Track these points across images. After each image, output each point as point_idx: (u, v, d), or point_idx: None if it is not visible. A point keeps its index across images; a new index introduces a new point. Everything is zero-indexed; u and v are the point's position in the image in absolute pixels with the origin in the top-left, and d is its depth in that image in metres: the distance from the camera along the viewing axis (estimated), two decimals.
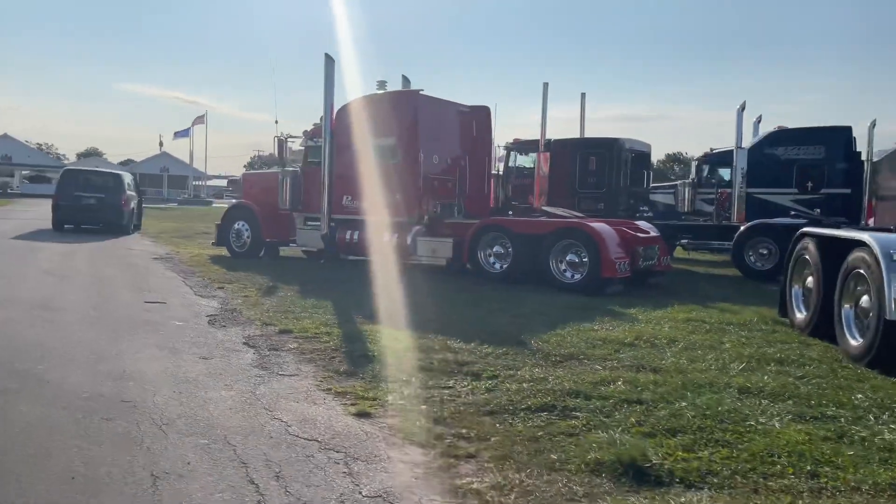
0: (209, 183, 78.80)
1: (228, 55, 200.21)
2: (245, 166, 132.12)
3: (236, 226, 16.14)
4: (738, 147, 17.39)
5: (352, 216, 14.41)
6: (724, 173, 19.78)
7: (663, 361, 6.31)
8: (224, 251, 16.18)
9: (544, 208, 13.69)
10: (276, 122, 15.49)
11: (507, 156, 18.08)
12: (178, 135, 66.93)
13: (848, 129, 17.06)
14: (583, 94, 18.62)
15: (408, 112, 13.70)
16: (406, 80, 15.80)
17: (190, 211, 44.76)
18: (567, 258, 11.72)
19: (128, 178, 22.62)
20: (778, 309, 8.83)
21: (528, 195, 17.64)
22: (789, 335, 7.79)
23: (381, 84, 14.51)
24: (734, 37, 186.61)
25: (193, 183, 71.48)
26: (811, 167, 17.07)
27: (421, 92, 13.68)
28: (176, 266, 13.58)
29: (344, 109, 14.54)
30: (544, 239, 11.94)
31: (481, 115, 15.30)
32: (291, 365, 6.10)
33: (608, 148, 16.14)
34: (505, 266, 12.51)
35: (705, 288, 12.56)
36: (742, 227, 15.11)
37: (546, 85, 16.63)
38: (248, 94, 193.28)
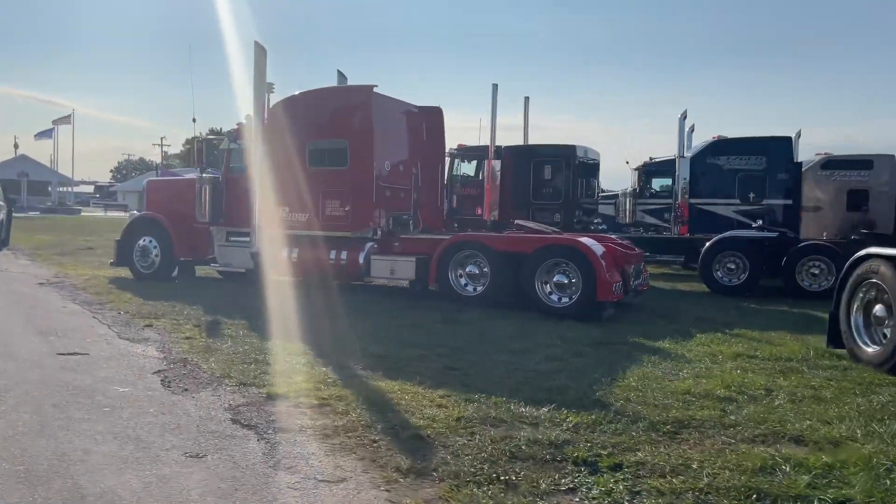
0: (75, 189, 72.03)
1: (89, 53, 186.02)
2: (112, 171, 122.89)
3: (142, 242, 13.65)
4: (681, 156, 16.82)
5: (289, 231, 12.39)
6: (662, 183, 19.37)
7: (797, 426, 4.98)
8: (126, 272, 13.65)
9: (518, 222, 12.27)
10: (194, 120, 13.20)
11: (451, 163, 16.55)
12: (39, 136, 60.54)
13: (788, 139, 16.86)
14: (526, 98, 17.41)
15: (361, 110, 11.87)
16: (342, 76, 13.97)
17: (58, 221, 40.13)
18: (555, 279, 10.34)
19: None
20: (827, 339, 7.83)
21: (476, 206, 16.26)
22: (872, 374, 6.71)
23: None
24: (609, 51, 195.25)
25: (58, 189, 64.85)
26: (753, 177, 16.79)
27: (375, 88, 11.90)
28: (74, 294, 11.03)
29: (279, 107, 12.50)
30: (529, 258, 10.50)
31: (432, 117, 13.69)
32: (324, 460, 4.25)
33: (565, 156, 14.97)
34: (481, 288, 10.95)
35: (692, 308, 11.55)
36: (709, 241, 14.36)
37: (496, 87, 15.28)
38: (112, 95, 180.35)
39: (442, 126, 13.79)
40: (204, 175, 13.29)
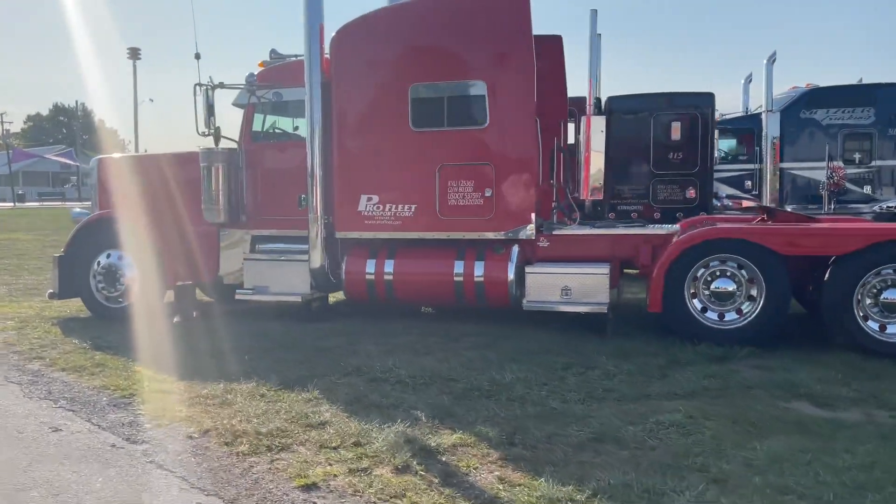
0: None
1: None
2: None
3: (102, 259, 8.42)
4: (769, 110, 13.39)
5: (377, 233, 7.67)
6: (731, 144, 16.04)
7: None
8: (78, 306, 8.43)
9: (727, 201, 8.12)
10: (198, 56, 7.75)
11: None
12: None
13: None
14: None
15: (513, 33, 7.25)
16: None
17: None
18: (883, 297, 6.38)
19: None
20: None
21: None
22: None
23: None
24: None
25: None
26: (859, 135, 13.98)
27: None
28: (30, 373, 5.81)
29: (351, 32, 7.64)
30: (842, 264, 6.47)
31: (549, 52, 9.23)
32: None
33: (702, 107, 10.94)
34: (734, 315, 6.78)
35: None
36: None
37: (595, 13, 11.09)
38: None
39: (563, 65, 9.40)
40: (215, 148, 8.15)
